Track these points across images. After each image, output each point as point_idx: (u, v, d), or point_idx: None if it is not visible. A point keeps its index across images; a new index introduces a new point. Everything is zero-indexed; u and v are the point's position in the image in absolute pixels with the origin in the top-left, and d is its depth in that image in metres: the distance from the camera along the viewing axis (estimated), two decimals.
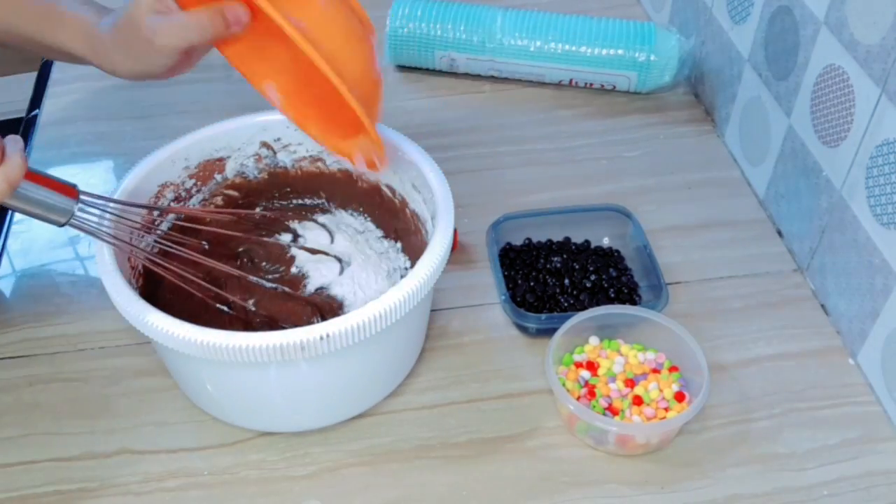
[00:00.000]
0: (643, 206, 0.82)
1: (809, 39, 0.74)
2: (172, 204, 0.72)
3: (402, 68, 1.02)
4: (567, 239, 0.79)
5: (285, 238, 0.76)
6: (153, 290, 0.69)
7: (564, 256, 0.77)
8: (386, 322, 0.58)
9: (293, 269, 0.73)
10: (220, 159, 0.75)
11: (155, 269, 0.65)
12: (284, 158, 0.77)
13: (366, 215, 0.78)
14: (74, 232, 0.61)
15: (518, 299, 0.74)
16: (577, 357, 0.70)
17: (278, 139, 0.75)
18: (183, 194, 0.73)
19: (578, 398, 0.66)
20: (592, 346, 0.70)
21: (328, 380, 0.63)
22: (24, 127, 0.97)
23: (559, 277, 0.75)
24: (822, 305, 0.75)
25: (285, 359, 0.57)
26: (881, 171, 0.65)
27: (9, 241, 0.83)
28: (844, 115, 0.70)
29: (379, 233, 0.77)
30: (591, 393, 0.67)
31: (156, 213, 0.71)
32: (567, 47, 0.95)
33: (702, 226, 0.83)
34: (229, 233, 0.73)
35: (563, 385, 0.67)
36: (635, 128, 0.94)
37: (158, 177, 0.71)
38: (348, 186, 0.77)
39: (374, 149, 0.65)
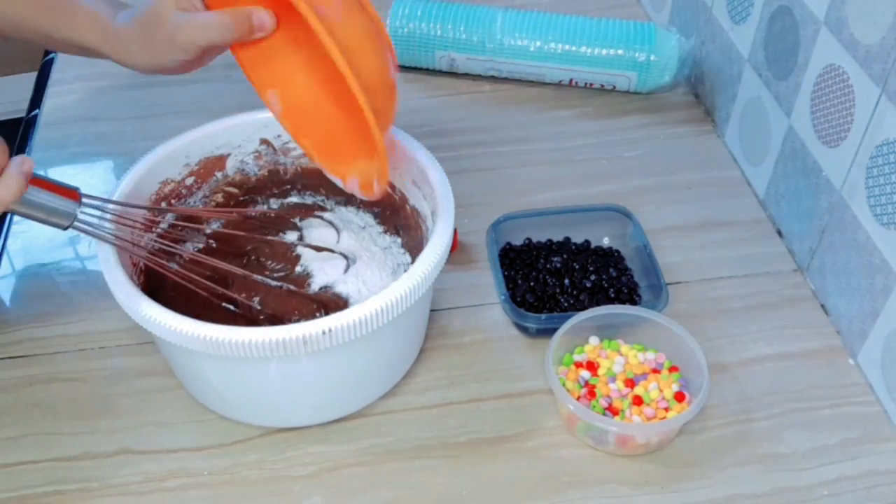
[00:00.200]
0: (643, 206, 0.82)
1: (809, 39, 0.74)
2: (173, 201, 0.72)
3: (402, 68, 1.02)
4: (567, 239, 0.79)
5: (291, 236, 0.76)
6: (155, 288, 0.69)
7: (564, 256, 0.77)
8: (388, 317, 0.58)
9: (298, 268, 0.73)
10: (221, 156, 0.75)
11: (159, 269, 0.65)
12: (284, 156, 0.77)
13: (366, 211, 0.78)
14: (74, 232, 0.61)
15: (518, 299, 0.74)
16: (577, 357, 0.70)
17: (278, 136, 0.76)
18: (183, 191, 0.73)
19: (578, 398, 0.66)
20: (592, 346, 0.70)
21: (330, 375, 0.63)
22: (24, 127, 0.96)
23: (559, 277, 0.75)
24: (822, 305, 0.75)
25: (287, 353, 0.57)
26: (881, 171, 0.65)
27: (9, 241, 0.83)
28: (844, 115, 0.70)
29: (380, 228, 0.77)
30: (591, 393, 0.67)
31: (161, 214, 0.71)
32: (567, 47, 0.95)
33: (702, 226, 0.83)
34: (235, 232, 0.73)
35: (563, 385, 0.67)
36: (635, 128, 0.94)
37: (159, 174, 0.71)
38: None
39: (377, 169, 0.63)
